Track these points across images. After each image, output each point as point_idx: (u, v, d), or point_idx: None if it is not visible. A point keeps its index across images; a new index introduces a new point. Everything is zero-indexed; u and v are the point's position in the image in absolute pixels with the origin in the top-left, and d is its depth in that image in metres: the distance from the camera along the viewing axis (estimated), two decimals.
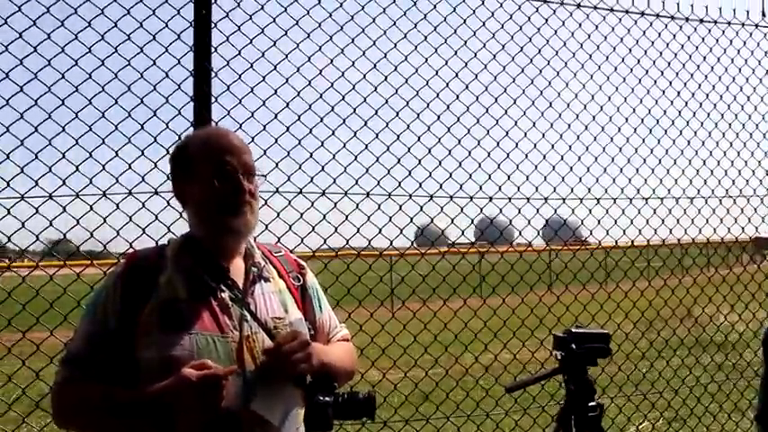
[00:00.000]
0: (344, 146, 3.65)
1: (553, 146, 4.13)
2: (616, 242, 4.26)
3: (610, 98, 4.24)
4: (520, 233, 4.11)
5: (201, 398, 1.49)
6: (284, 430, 1.61)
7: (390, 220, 3.73)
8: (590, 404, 2.41)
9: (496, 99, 4.04)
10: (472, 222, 3.98)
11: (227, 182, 1.68)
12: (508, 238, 4.55)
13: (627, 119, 4.29)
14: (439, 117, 3.90)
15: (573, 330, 2.44)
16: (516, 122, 4.08)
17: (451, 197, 3.84)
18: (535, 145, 4.08)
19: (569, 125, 4.17)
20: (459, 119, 3.96)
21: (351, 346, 1.94)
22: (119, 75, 3.22)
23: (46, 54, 3.09)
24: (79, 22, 3.15)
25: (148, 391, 1.54)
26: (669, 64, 4.41)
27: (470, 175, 3.90)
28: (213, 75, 3.32)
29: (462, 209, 3.89)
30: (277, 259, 1.83)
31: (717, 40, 4.50)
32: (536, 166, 4.06)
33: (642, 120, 4.31)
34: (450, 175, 3.86)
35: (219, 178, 1.68)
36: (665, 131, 4.38)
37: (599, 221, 4.19)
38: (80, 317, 1.69)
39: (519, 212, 3.99)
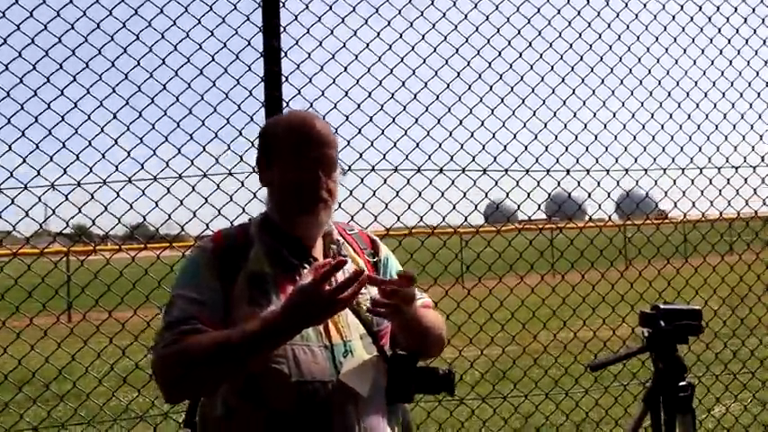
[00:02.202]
0: (416, 121, 3.60)
1: (633, 114, 3.94)
2: (703, 215, 4.05)
3: (695, 62, 4.01)
4: (599, 206, 3.93)
5: (330, 304, 1.47)
6: (371, 401, 1.62)
7: (465, 195, 3.64)
8: (680, 384, 2.28)
9: (573, 68, 3.87)
10: (549, 197, 3.85)
11: (305, 177, 1.65)
12: (586, 212, 4.39)
13: (714, 82, 4.04)
14: (512, 89, 3.77)
15: (661, 306, 2.30)
16: (594, 91, 3.90)
17: (527, 170, 3.72)
18: (614, 114, 3.91)
19: (651, 92, 3.96)
20: (533, 90, 3.82)
21: (438, 314, 1.90)
22: (191, 59, 3.26)
23: (121, 42, 3.16)
24: (151, 8, 3.21)
25: (263, 317, 1.51)
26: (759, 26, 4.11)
27: (546, 148, 3.78)
28: (283, 54, 3.30)
29: (539, 182, 3.78)
30: (351, 237, 1.82)
31: None
32: (615, 137, 3.90)
33: (732, 83, 4.04)
34: (526, 148, 3.74)
35: (298, 171, 1.65)
36: (758, 94, 4.09)
37: (684, 193, 3.98)
38: (172, 293, 1.63)
39: (598, 185, 3.83)
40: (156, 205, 3.22)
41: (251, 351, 1.50)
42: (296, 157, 1.66)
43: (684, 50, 3.99)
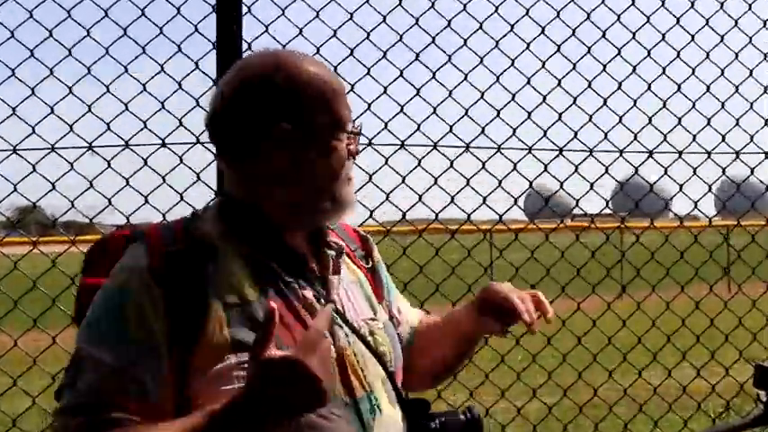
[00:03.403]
0: (434, 76, 2.65)
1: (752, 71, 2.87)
2: None
3: None
4: (695, 205, 2.93)
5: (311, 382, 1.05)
6: None
7: (500, 184, 2.74)
8: None
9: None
10: (621, 188, 2.84)
11: (341, 159, 1.26)
12: (672, 212, 3.33)
13: None
14: (574, 31, 2.77)
15: None
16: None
17: (591, 151, 2.81)
18: (723, 71, 2.82)
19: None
20: (604, 33, 2.78)
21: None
22: None
23: None
24: None
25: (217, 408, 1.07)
26: None
27: (620, 119, 2.83)
28: None
29: (607, 168, 2.81)
30: (335, 233, 1.42)
31: None
32: (723, 104, 2.87)
33: None
34: (590, 118, 2.79)
35: (338, 151, 1.25)
36: None
37: None
38: (79, 344, 1.14)
39: (694, 173, 2.82)
40: (54, 187, 2.37)
41: None
42: (333, 128, 1.24)
43: None
